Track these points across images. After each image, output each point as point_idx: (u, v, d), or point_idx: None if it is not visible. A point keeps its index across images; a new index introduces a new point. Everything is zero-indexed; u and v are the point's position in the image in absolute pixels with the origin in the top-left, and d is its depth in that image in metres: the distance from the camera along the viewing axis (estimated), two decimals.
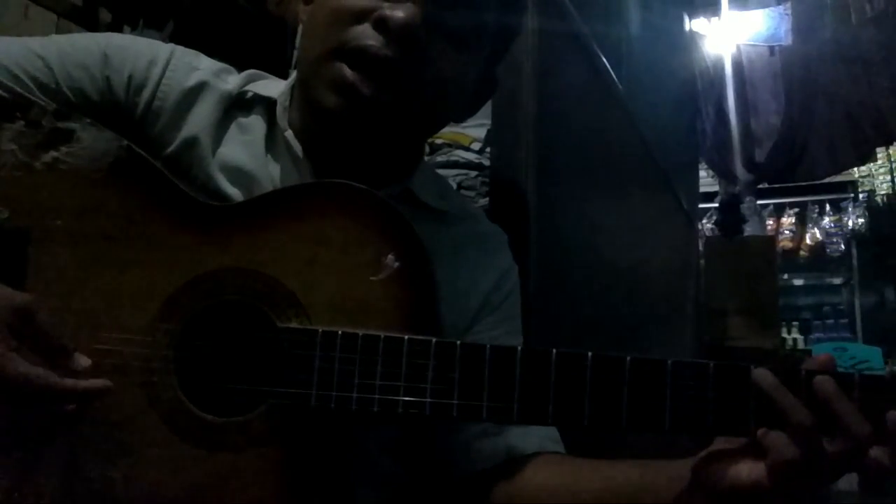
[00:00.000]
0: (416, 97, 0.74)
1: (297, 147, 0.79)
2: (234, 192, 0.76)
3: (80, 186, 0.67)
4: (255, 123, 0.81)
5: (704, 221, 4.54)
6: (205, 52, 0.84)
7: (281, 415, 0.64)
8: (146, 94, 0.77)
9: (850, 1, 3.45)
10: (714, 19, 3.79)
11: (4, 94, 0.71)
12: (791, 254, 5.05)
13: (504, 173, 1.20)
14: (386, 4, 0.71)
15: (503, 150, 1.20)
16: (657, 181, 2.32)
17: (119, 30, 1.88)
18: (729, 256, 3.47)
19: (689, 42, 3.58)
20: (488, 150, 1.31)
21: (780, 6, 3.65)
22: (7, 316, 0.58)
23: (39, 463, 0.62)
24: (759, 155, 3.73)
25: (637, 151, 1.98)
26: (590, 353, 0.61)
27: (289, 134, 0.80)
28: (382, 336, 0.63)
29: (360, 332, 0.63)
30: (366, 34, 0.71)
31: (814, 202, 5.10)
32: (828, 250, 4.94)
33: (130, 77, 0.77)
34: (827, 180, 4.14)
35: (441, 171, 1.21)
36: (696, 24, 3.70)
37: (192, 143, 0.77)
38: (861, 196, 4.96)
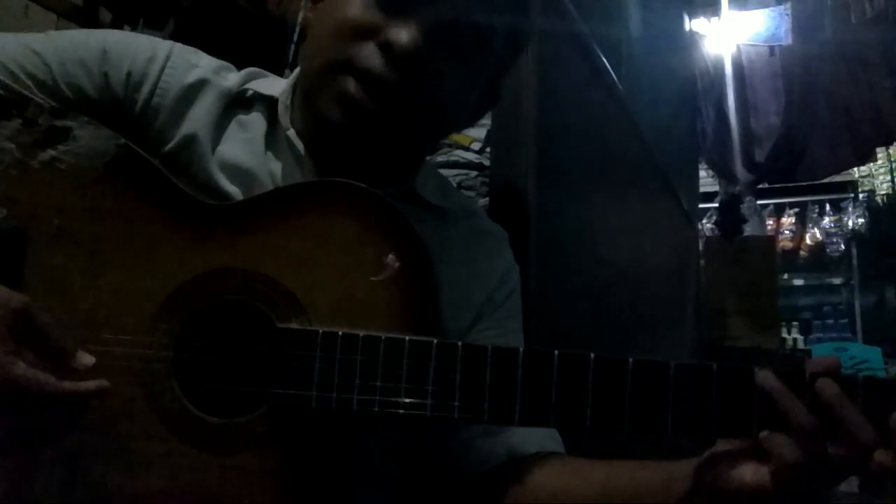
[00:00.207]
0: (418, 113, 0.74)
1: (300, 145, 0.79)
2: (234, 191, 0.76)
3: (77, 185, 0.66)
4: (256, 121, 0.81)
5: (704, 221, 4.54)
6: (204, 52, 0.84)
7: (281, 416, 0.63)
8: (145, 90, 0.76)
9: (850, 1, 3.45)
10: (714, 19, 3.79)
11: (1, 92, 0.71)
12: (791, 254, 5.05)
13: (504, 173, 1.19)
14: (392, 23, 0.71)
15: (503, 150, 1.20)
16: (657, 181, 2.32)
17: (119, 29, 1.88)
18: (729, 256, 3.47)
19: (689, 42, 3.58)
20: (488, 150, 1.31)
21: (780, 6, 3.65)
22: (6, 317, 0.57)
23: (39, 465, 0.61)
24: (759, 155, 3.73)
25: (637, 151, 1.98)
26: (592, 355, 0.61)
27: (291, 133, 0.79)
28: (383, 337, 0.63)
29: (361, 332, 0.63)
30: (370, 55, 0.71)
31: (814, 202, 5.10)
32: (828, 250, 4.94)
33: (129, 74, 0.76)
34: (827, 180, 4.14)
35: (441, 171, 1.21)
36: (696, 24, 3.70)
37: (191, 140, 0.76)
38: (861, 196, 4.96)
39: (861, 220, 4.80)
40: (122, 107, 0.76)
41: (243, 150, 0.78)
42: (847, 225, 4.87)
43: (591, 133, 1.56)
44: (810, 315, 4.99)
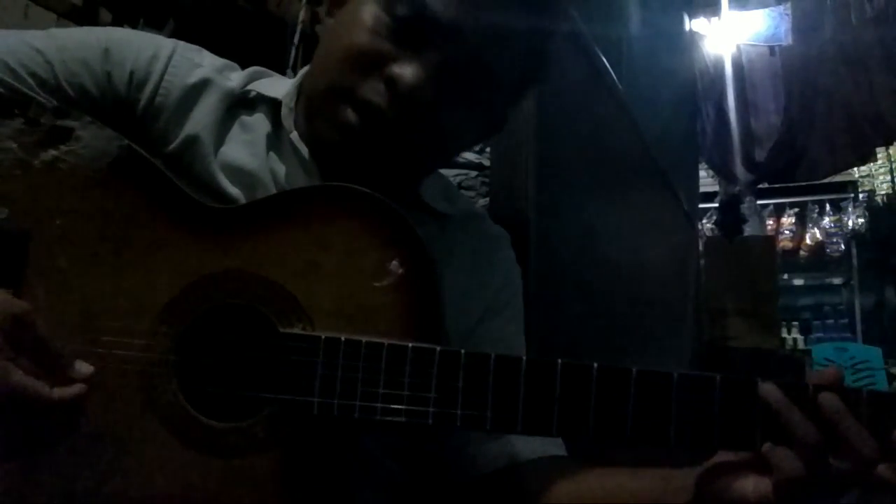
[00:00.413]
0: (416, 147, 0.73)
1: (303, 149, 0.78)
2: (236, 193, 0.75)
3: (79, 186, 0.66)
4: (259, 123, 0.80)
5: (704, 221, 4.55)
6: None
7: (282, 420, 0.63)
8: (148, 90, 0.75)
9: (850, 1, 3.45)
10: (714, 19, 3.80)
11: (3, 91, 0.70)
12: (791, 254, 5.06)
13: (504, 173, 1.19)
14: (400, 56, 0.69)
15: (503, 150, 1.20)
16: (657, 181, 2.32)
17: None
18: (729, 256, 3.47)
19: (689, 42, 3.58)
20: (488, 150, 1.31)
21: (780, 6, 3.66)
22: (4, 324, 0.57)
23: (39, 469, 0.61)
24: (759, 155, 3.74)
25: (637, 151, 1.98)
26: (595, 365, 0.60)
27: (294, 136, 0.79)
28: (386, 343, 0.62)
29: (364, 338, 0.62)
30: (374, 89, 0.70)
31: (814, 202, 5.10)
32: (828, 250, 4.95)
33: (132, 73, 0.75)
34: (827, 180, 4.15)
35: (441, 171, 1.21)
36: (696, 24, 3.71)
37: (193, 141, 0.76)
38: (861, 196, 4.97)
39: (861, 220, 4.80)
40: (124, 106, 0.75)
41: (246, 152, 0.78)
42: (847, 225, 4.87)
43: (591, 133, 1.56)
44: (810, 315, 5.00)
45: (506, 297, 0.87)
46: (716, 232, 3.86)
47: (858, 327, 4.76)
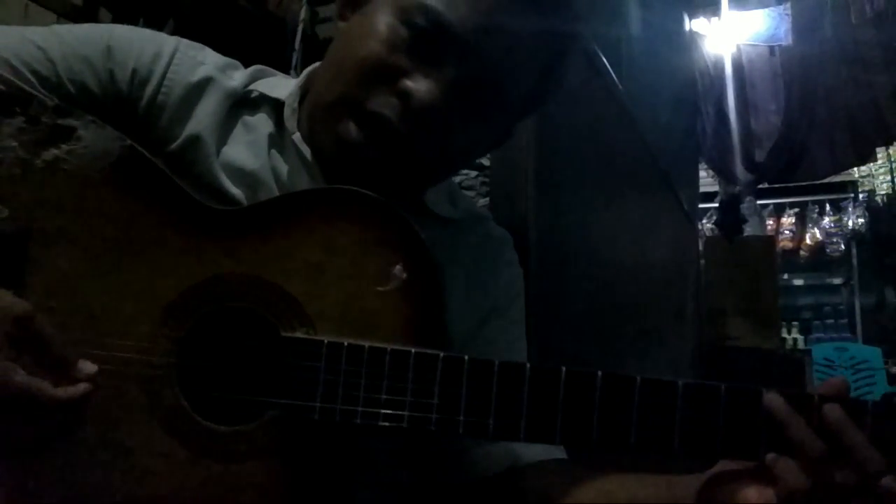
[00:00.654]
0: (427, 160, 0.73)
1: (306, 150, 0.77)
2: (238, 193, 0.75)
3: (81, 186, 0.65)
4: (262, 123, 0.79)
5: (704, 221, 4.55)
6: None
7: (284, 425, 0.63)
8: (150, 88, 0.74)
9: (850, 1, 3.45)
10: (714, 19, 3.80)
11: (4, 88, 0.69)
12: (791, 254, 5.07)
13: (504, 173, 1.19)
14: (415, 70, 0.69)
15: (503, 150, 1.20)
16: (657, 181, 2.32)
17: None
18: (729, 256, 3.48)
19: (689, 42, 3.58)
20: None
21: (780, 6, 3.66)
22: (6, 325, 0.57)
23: (39, 471, 0.61)
24: (759, 155, 3.74)
25: (637, 152, 1.98)
26: (599, 373, 0.60)
27: (297, 137, 0.78)
28: (389, 349, 0.62)
29: (367, 343, 0.62)
30: (385, 102, 0.69)
31: (814, 202, 5.11)
32: (828, 250, 4.96)
33: (135, 71, 0.74)
34: (827, 180, 4.15)
35: None
36: (696, 24, 3.71)
37: (195, 140, 0.75)
38: (861, 196, 4.98)
39: (861, 220, 4.81)
40: (126, 104, 0.74)
41: (248, 152, 0.77)
42: (847, 225, 4.88)
43: (591, 133, 1.56)
44: (810, 315, 5.01)
45: (508, 299, 0.87)
46: (716, 232, 3.86)
47: (858, 327, 4.77)
